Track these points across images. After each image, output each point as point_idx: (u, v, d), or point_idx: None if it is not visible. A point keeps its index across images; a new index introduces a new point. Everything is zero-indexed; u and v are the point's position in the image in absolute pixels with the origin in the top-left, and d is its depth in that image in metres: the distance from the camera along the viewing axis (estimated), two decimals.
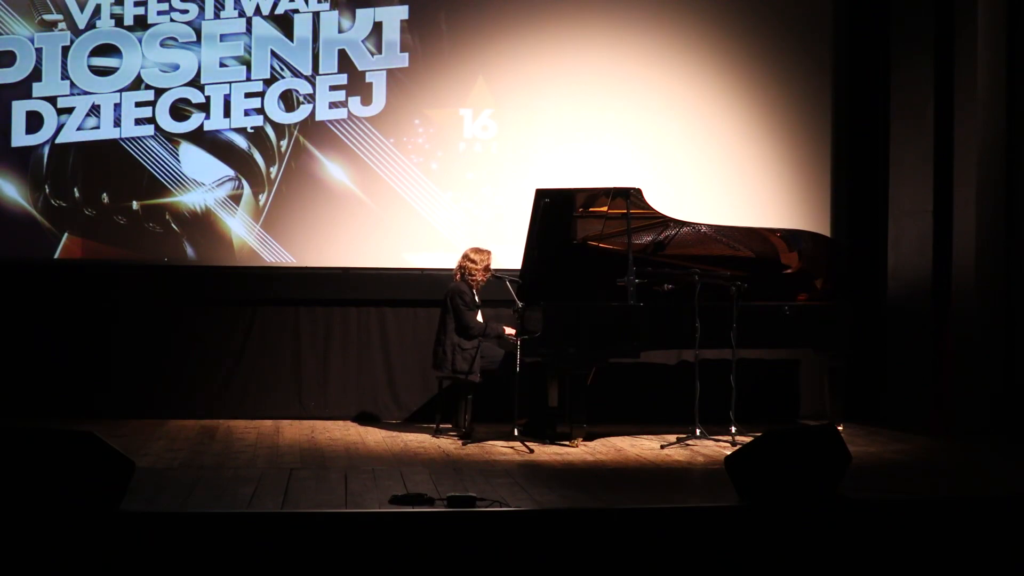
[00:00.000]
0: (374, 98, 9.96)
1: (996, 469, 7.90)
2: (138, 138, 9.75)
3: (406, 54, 10.01)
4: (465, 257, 9.04)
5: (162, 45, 9.76)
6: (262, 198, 9.86)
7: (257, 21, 9.85)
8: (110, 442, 5.64)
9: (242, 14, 9.83)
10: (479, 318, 8.97)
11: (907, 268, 9.89)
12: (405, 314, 10.03)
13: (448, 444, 8.57)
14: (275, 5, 9.85)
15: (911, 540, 5.84)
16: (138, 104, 9.73)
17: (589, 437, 8.72)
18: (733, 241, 9.26)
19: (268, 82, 9.84)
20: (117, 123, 9.72)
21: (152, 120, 9.74)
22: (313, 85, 9.88)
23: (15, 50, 9.65)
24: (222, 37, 9.82)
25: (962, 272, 9.41)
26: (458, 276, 9.03)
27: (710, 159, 10.30)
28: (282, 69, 9.85)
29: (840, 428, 7.92)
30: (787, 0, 10.42)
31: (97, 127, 9.70)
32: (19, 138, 9.66)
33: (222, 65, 9.82)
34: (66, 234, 9.70)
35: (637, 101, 10.22)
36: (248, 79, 9.83)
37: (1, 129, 9.61)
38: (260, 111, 9.84)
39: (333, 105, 9.91)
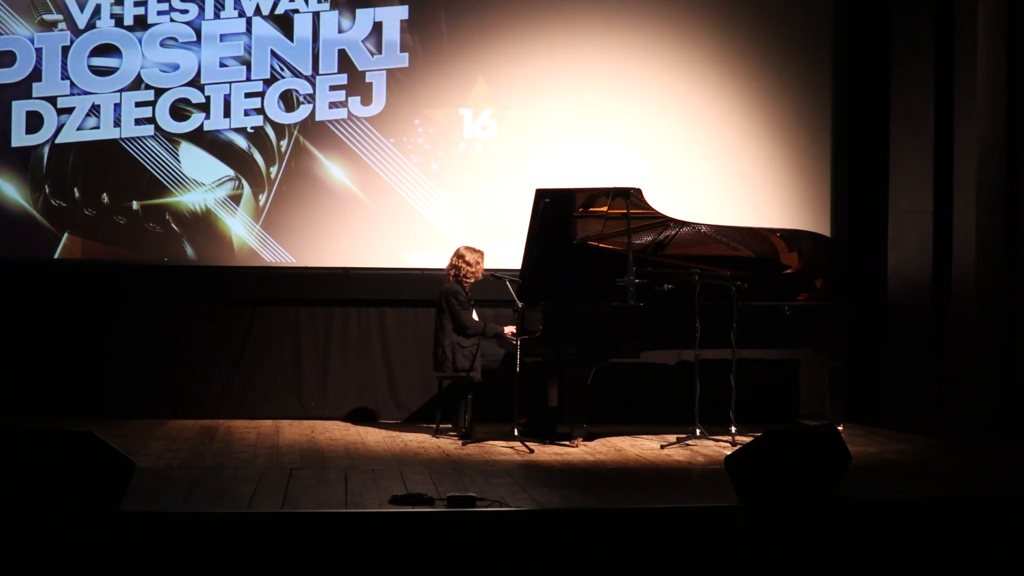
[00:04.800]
0: (374, 98, 9.96)
1: (996, 469, 7.90)
2: (138, 138, 9.76)
3: (406, 54, 10.01)
4: (458, 257, 9.01)
5: (162, 45, 9.76)
6: (262, 198, 9.87)
7: (257, 21, 9.85)
8: (110, 442, 5.64)
9: (242, 14, 9.83)
10: (474, 316, 8.97)
11: (907, 268, 9.90)
12: (405, 314, 10.03)
13: (448, 444, 8.57)
14: (275, 5, 9.85)
15: (911, 540, 5.84)
16: (138, 104, 9.73)
17: (589, 437, 8.72)
18: (733, 241, 9.26)
19: (268, 82, 9.84)
20: (117, 123, 9.72)
21: (152, 120, 9.74)
22: (313, 85, 9.89)
23: (15, 50, 9.65)
24: (222, 37, 9.82)
25: (962, 272, 9.40)
26: (451, 276, 9.02)
27: (710, 159, 10.30)
28: (282, 69, 9.85)
29: (840, 428, 7.93)
30: (787, 0, 10.42)
31: (97, 127, 9.71)
32: (19, 138, 9.66)
33: (222, 65, 9.82)
34: (66, 234, 9.70)
35: (637, 101, 10.22)
36: (248, 79, 9.83)
37: (1, 129, 9.61)
38: (260, 111, 9.84)
39: (333, 105, 9.91)
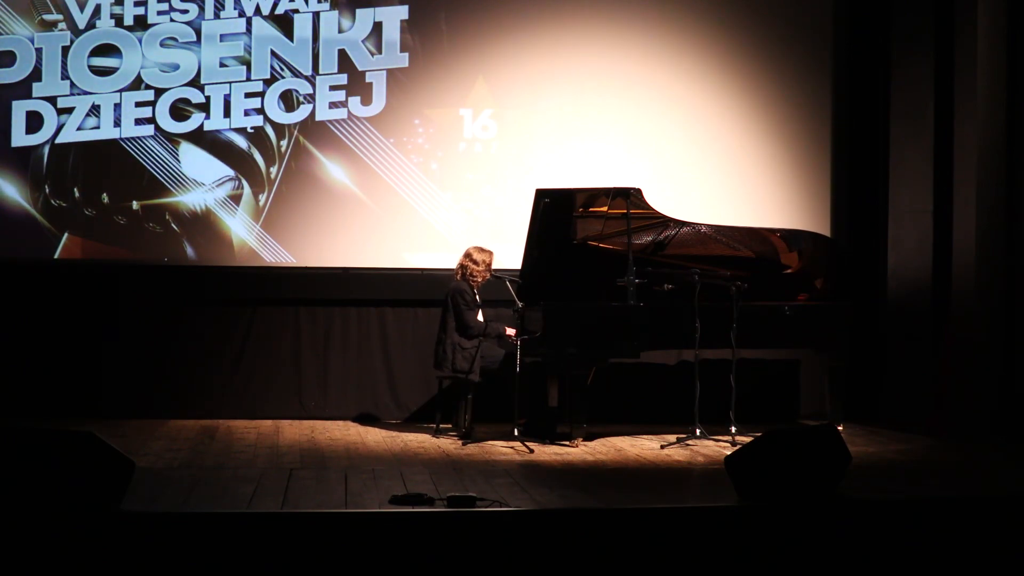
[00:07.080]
0: (374, 98, 9.96)
1: (996, 469, 7.90)
2: (138, 138, 9.76)
3: (406, 54, 10.01)
4: (467, 256, 9.04)
5: (162, 45, 9.76)
6: (262, 198, 9.87)
7: (257, 21, 9.85)
8: (110, 442, 5.64)
9: (242, 14, 9.83)
10: (480, 317, 8.97)
11: (907, 268, 9.90)
12: (405, 314, 10.03)
13: (448, 444, 8.57)
14: (275, 5, 9.85)
15: (911, 540, 5.84)
16: (138, 104, 9.73)
17: (589, 437, 8.72)
18: (733, 241, 9.26)
19: (268, 82, 9.84)
20: (117, 123, 9.72)
21: (152, 120, 9.74)
22: (313, 85, 9.89)
23: (15, 50, 9.65)
24: (222, 37, 9.82)
25: (962, 272, 9.41)
26: (459, 275, 9.04)
27: (710, 159, 10.30)
28: (282, 69, 9.85)
29: (840, 428, 7.93)
30: (787, 0, 10.42)
31: (97, 127, 9.71)
32: (19, 138, 9.66)
33: (222, 65, 9.82)
34: (66, 234, 9.70)
35: (637, 101, 10.22)
36: (248, 79, 9.83)
37: (1, 129, 9.62)
38: (260, 111, 9.84)
39: (333, 105, 9.91)
